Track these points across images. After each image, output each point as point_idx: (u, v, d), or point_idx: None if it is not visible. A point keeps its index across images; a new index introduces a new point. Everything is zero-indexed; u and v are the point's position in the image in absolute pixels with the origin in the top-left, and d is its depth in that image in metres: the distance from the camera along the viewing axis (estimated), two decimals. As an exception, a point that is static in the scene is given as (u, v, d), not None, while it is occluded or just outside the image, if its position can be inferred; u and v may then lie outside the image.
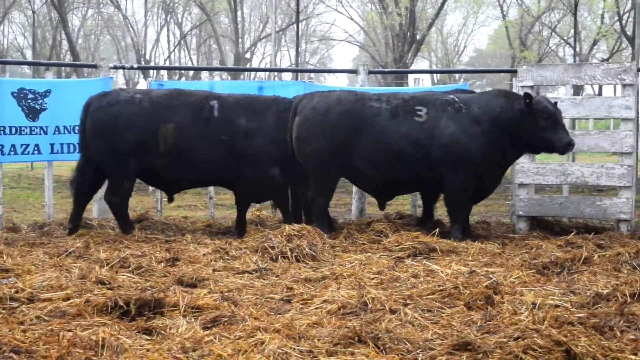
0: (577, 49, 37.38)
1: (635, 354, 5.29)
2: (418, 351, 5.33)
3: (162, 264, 8.19)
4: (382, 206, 11.07)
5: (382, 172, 10.20)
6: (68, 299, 6.54)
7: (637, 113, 12.00)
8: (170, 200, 10.96)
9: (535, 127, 9.82)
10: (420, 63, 53.22)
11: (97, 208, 11.87)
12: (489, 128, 9.96)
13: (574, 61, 29.73)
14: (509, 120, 9.92)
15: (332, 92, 10.61)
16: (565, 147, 9.84)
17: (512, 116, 9.92)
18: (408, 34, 35.93)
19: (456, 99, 10.20)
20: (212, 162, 10.30)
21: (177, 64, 51.59)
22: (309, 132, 10.12)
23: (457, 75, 47.95)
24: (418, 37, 36.75)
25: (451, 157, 9.93)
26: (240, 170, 10.30)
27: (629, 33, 34.58)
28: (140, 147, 10.17)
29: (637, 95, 11.31)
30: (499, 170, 10.39)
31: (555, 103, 10.05)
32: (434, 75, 52.58)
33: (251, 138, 10.29)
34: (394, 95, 10.61)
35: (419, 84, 14.74)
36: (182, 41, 51.79)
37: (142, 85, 55.43)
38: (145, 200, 15.30)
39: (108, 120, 10.24)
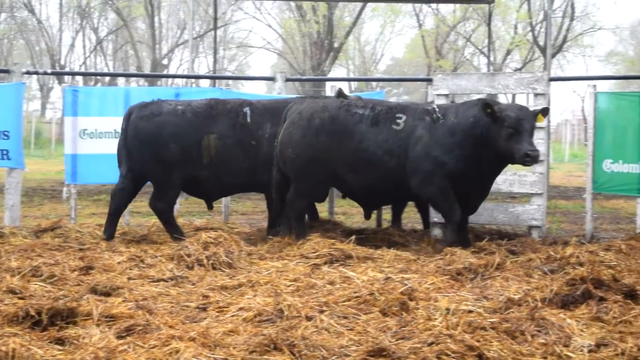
0: (491, 59, 37.98)
1: (545, 358, 5.42)
2: (333, 358, 5.36)
3: (76, 273, 8.03)
4: (366, 215, 11.09)
5: (361, 179, 10.12)
6: (-23, 309, 6.37)
7: (549, 122, 12.27)
8: (210, 207, 11.23)
9: (499, 136, 9.45)
10: (337, 71, 53.47)
11: (8, 216, 11.63)
12: (463, 139, 9.75)
13: (488, 70, 30.23)
14: (481, 130, 9.64)
15: (321, 99, 10.78)
16: (522, 157, 9.28)
17: (483, 126, 9.62)
18: (326, 41, 36.10)
19: (436, 108, 10.08)
20: (247, 168, 10.50)
21: (92, 70, 50.73)
22: (291, 135, 10.15)
23: (374, 83, 48.25)
24: (336, 45, 36.96)
25: (422, 169, 9.83)
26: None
27: (541, 43, 35.30)
28: (184, 158, 10.35)
29: (549, 104, 11.56)
30: (481, 182, 10.01)
31: (535, 111, 9.73)
32: (351, 83, 52.86)
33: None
34: (381, 102, 10.71)
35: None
36: (98, 46, 51.00)
37: (57, 90, 54.58)
38: (59, 207, 15.03)
39: (153, 130, 10.36)
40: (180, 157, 10.35)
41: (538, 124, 10.37)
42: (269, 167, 10.38)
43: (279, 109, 10.57)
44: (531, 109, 10.90)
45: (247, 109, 10.55)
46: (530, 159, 9.25)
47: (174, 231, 10.38)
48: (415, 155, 9.83)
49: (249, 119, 10.51)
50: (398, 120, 10.02)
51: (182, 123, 10.40)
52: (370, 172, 10.02)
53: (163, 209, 10.50)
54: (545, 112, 9.82)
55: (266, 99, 11.09)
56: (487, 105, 9.50)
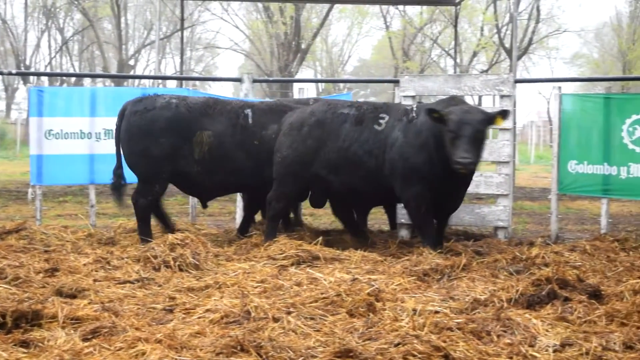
0: (458, 60, 38.18)
1: (511, 358, 5.46)
2: (300, 359, 5.37)
3: (41, 275, 7.97)
4: (360, 219, 11.11)
5: (344, 180, 10.07)
6: (-61, 312, 6.29)
7: (515, 123, 12.34)
8: (204, 206, 11.24)
9: (445, 139, 9.11)
10: (305, 72, 53.43)
11: (-27, 216, 11.51)
12: (427, 138, 9.49)
13: (455, 72, 30.38)
14: (439, 131, 9.30)
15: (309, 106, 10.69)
16: (453, 163, 8.91)
17: (440, 128, 9.29)
18: (293, 43, 36.11)
19: (414, 108, 9.94)
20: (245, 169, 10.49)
21: (58, 70, 50.30)
22: (281, 143, 10.24)
23: (341, 85, 48.33)
24: (303, 46, 36.98)
25: (398, 171, 9.71)
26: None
27: (507, 45, 35.59)
28: (175, 152, 10.32)
29: (514, 106, 11.62)
30: (452, 185, 9.53)
31: (488, 114, 9.21)
32: (319, 84, 52.93)
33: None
34: (369, 102, 10.73)
35: (304, 93, 14.76)
36: (63, 47, 50.63)
37: (22, 91, 54.07)
38: (24, 209, 14.89)
39: (144, 124, 10.30)
40: (171, 152, 10.28)
41: (500, 126, 10.44)
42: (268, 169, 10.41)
43: (282, 111, 10.63)
44: (495, 110, 11.00)
45: (248, 110, 10.55)
46: (460, 166, 8.80)
47: (145, 232, 10.26)
48: (391, 157, 9.75)
49: (250, 120, 10.49)
50: (380, 121, 9.97)
51: (174, 117, 10.35)
52: (352, 172, 9.97)
53: (144, 205, 10.34)
54: (504, 114, 9.29)
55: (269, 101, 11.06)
56: (432, 111, 9.17)
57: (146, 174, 10.41)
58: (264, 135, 10.45)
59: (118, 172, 10.59)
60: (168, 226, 10.76)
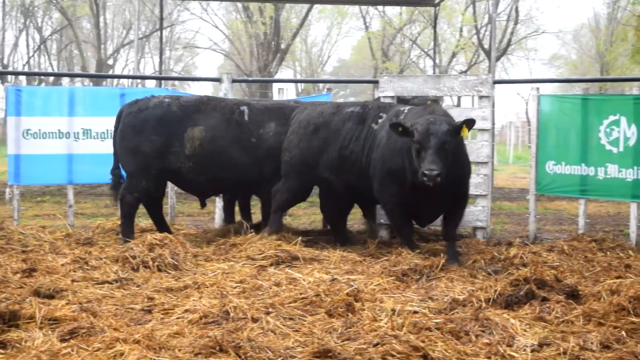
0: (437, 61, 38.30)
1: (489, 358, 5.48)
2: (279, 359, 5.36)
3: (18, 275, 7.95)
4: (365, 214, 11.17)
5: (343, 176, 10.15)
6: None
7: (493, 124, 12.37)
8: (203, 205, 11.42)
9: (412, 152, 8.95)
10: (284, 72, 53.37)
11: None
12: (403, 145, 9.27)
13: (434, 73, 30.45)
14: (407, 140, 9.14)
15: (319, 105, 10.76)
16: (420, 176, 8.66)
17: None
18: (273, 43, 36.06)
19: (404, 110, 9.85)
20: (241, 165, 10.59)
21: (36, 70, 49.97)
22: (290, 142, 10.40)
23: (320, 85, 48.29)
24: (282, 46, 36.94)
25: (376, 171, 9.71)
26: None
27: (486, 46, 35.66)
28: (166, 149, 10.45)
29: (493, 107, 11.65)
30: (425, 194, 9.12)
31: (454, 125, 8.95)
32: (298, 84, 52.88)
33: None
34: (377, 102, 10.78)
35: (283, 93, 14.75)
36: (42, 46, 50.29)
37: (-1, 90, 53.59)
38: (1, 209, 14.78)
39: (137, 123, 10.46)
40: (161, 149, 10.40)
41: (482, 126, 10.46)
42: (268, 165, 10.54)
43: (279, 110, 10.75)
44: (476, 112, 11.02)
45: (244, 108, 10.65)
46: (426, 178, 8.53)
47: (126, 231, 10.29)
48: (373, 157, 9.78)
49: (246, 117, 10.58)
50: (379, 120, 10.01)
51: (165, 115, 10.48)
52: (350, 170, 10.05)
53: (130, 201, 10.41)
54: (469, 123, 8.96)
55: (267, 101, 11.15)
56: (397, 125, 9.00)
57: (135, 170, 10.49)
58: (262, 134, 10.56)
59: (115, 172, 10.75)
60: (164, 230, 10.70)
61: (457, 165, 9.16)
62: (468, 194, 9.84)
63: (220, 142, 10.47)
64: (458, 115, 11.20)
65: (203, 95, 11.33)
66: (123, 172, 10.79)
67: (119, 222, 10.67)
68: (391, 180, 9.48)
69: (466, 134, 9.04)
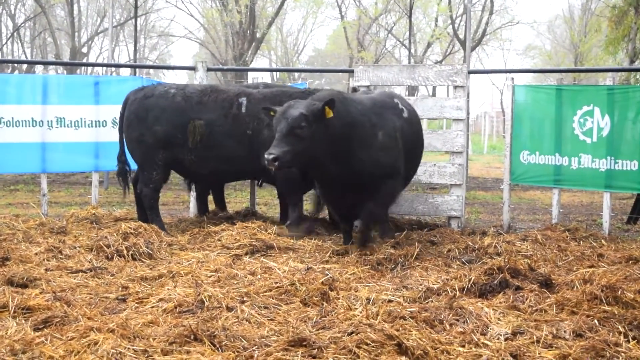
0: (412, 51, 38.30)
1: (463, 346, 5.50)
2: (254, 348, 5.36)
3: None
4: None
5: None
6: None
7: (468, 114, 12.41)
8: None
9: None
10: (260, 61, 53.31)
11: None
12: None
13: (409, 62, 30.47)
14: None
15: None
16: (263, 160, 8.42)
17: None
18: (248, 32, 35.85)
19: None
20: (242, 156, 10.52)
21: (9, 57, 49.45)
22: None
23: (296, 74, 48.13)
24: (258, 35, 36.72)
25: None
26: None
27: (461, 36, 35.69)
28: (169, 140, 10.40)
29: (468, 97, 11.69)
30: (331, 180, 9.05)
31: (302, 110, 8.50)
32: (274, 73, 52.67)
33: None
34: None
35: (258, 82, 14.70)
36: (15, 33, 49.77)
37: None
38: (-26, 198, 14.71)
39: (141, 111, 10.43)
40: (165, 140, 10.37)
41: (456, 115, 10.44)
42: None
43: (275, 98, 10.48)
44: (451, 102, 11.04)
45: (243, 99, 10.52)
46: (266, 162, 8.27)
47: (155, 219, 10.31)
48: None
49: (244, 109, 10.46)
50: None
51: (169, 106, 10.43)
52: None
53: (148, 193, 10.43)
54: (330, 104, 8.53)
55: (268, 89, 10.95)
56: (269, 109, 8.88)
57: (142, 160, 10.54)
58: (257, 125, 10.43)
59: (122, 159, 10.77)
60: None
61: (367, 160, 8.88)
62: (386, 180, 9.12)
63: (218, 136, 10.39)
64: (432, 106, 11.33)
65: (209, 85, 11.24)
66: (130, 160, 10.81)
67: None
68: None
69: (330, 115, 8.53)
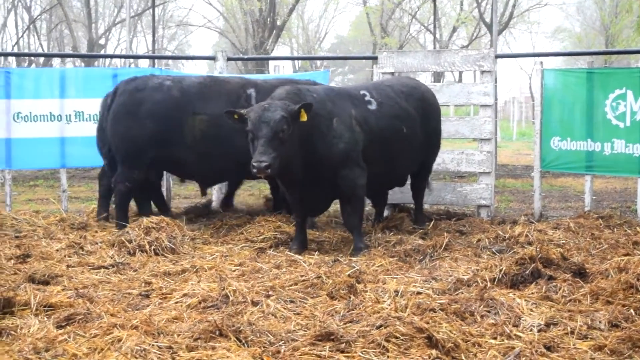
0: (437, 36, 38.12)
1: (495, 338, 5.41)
2: (280, 343, 5.30)
3: (12, 261, 7.90)
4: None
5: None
6: None
7: (496, 99, 12.26)
8: (203, 193, 11.20)
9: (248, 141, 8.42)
10: (281, 49, 53.15)
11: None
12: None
13: (434, 48, 30.28)
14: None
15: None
16: (251, 168, 8.01)
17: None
18: (268, 19, 35.79)
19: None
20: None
21: (26, 50, 49.62)
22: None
23: (318, 62, 48.07)
24: (278, 23, 36.66)
25: None
26: None
27: (488, 20, 35.45)
28: (162, 137, 9.90)
29: (496, 82, 11.53)
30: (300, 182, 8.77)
31: (282, 112, 8.19)
32: (295, 62, 52.62)
33: None
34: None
35: (280, 71, 14.61)
36: (31, 26, 49.83)
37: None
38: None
39: (131, 106, 9.91)
40: (158, 137, 9.85)
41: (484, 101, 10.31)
42: None
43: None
44: (478, 87, 10.90)
45: (251, 90, 10.14)
46: (256, 170, 7.93)
47: (121, 217, 9.96)
48: None
49: (253, 101, 9.87)
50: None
51: (165, 101, 9.94)
52: None
53: (122, 190, 9.98)
54: (307, 107, 8.27)
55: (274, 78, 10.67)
56: (231, 113, 8.51)
57: (127, 158, 10.02)
58: None
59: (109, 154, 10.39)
60: (166, 210, 10.62)
61: (321, 148, 8.59)
62: (340, 170, 8.74)
63: (225, 131, 9.63)
64: (459, 92, 11.19)
65: (206, 76, 10.79)
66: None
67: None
68: None
69: (305, 118, 8.29)
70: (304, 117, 8.23)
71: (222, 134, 9.73)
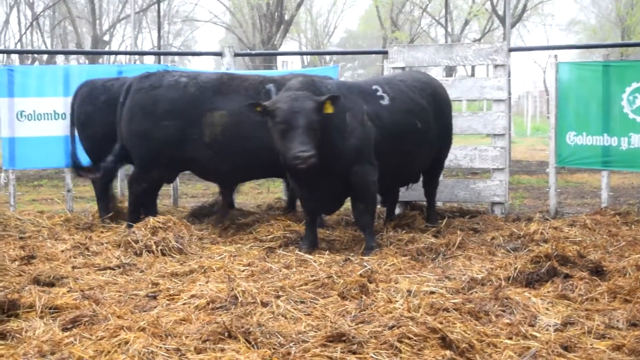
0: (449, 29, 37.97)
1: (511, 338, 5.36)
2: (291, 344, 5.26)
3: (17, 263, 7.87)
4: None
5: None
6: None
7: (509, 94, 12.16)
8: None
9: (275, 133, 8.28)
10: (289, 44, 53.24)
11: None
12: None
13: (446, 41, 30.17)
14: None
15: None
16: (292, 159, 7.91)
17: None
18: (276, 14, 35.75)
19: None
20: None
21: (29, 47, 49.65)
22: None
23: (327, 57, 47.90)
24: (286, 17, 36.61)
25: None
26: None
27: (500, 13, 35.25)
28: (180, 137, 9.59)
29: (509, 76, 11.43)
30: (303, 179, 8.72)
31: (318, 100, 8.16)
32: (304, 57, 52.51)
33: None
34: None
35: (288, 66, 14.49)
36: (34, 23, 49.78)
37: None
38: (-3, 194, 14.68)
39: (147, 104, 9.62)
40: (175, 136, 9.55)
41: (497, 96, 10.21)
42: None
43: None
44: (491, 81, 10.79)
45: (270, 86, 9.79)
46: (300, 160, 7.85)
47: (132, 218, 9.72)
48: None
49: (273, 97, 9.36)
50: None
51: (182, 98, 9.62)
52: None
53: (137, 192, 9.74)
54: (334, 100, 8.23)
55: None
56: (254, 105, 8.38)
57: (144, 158, 9.75)
58: None
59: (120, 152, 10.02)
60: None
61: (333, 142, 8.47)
62: (352, 167, 8.64)
63: (246, 126, 9.42)
64: (472, 86, 11.12)
65: (224, 73, 10.54)
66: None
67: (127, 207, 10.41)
68: None
69: (330, 111, 8.24)
70: (330, 109, 8.16)
71: (243, 131, 9.50)
